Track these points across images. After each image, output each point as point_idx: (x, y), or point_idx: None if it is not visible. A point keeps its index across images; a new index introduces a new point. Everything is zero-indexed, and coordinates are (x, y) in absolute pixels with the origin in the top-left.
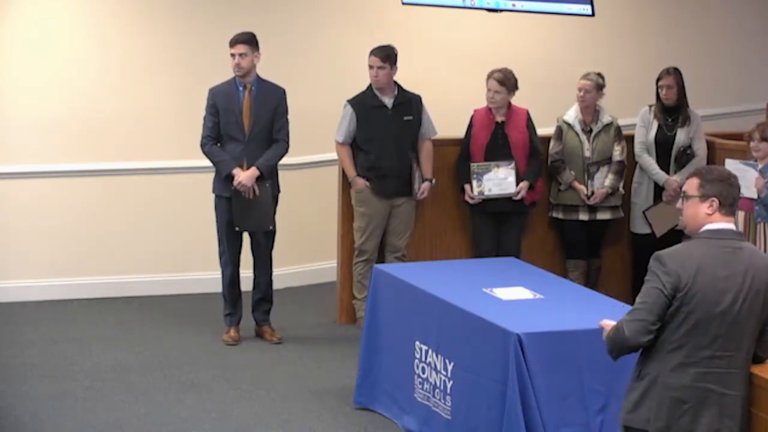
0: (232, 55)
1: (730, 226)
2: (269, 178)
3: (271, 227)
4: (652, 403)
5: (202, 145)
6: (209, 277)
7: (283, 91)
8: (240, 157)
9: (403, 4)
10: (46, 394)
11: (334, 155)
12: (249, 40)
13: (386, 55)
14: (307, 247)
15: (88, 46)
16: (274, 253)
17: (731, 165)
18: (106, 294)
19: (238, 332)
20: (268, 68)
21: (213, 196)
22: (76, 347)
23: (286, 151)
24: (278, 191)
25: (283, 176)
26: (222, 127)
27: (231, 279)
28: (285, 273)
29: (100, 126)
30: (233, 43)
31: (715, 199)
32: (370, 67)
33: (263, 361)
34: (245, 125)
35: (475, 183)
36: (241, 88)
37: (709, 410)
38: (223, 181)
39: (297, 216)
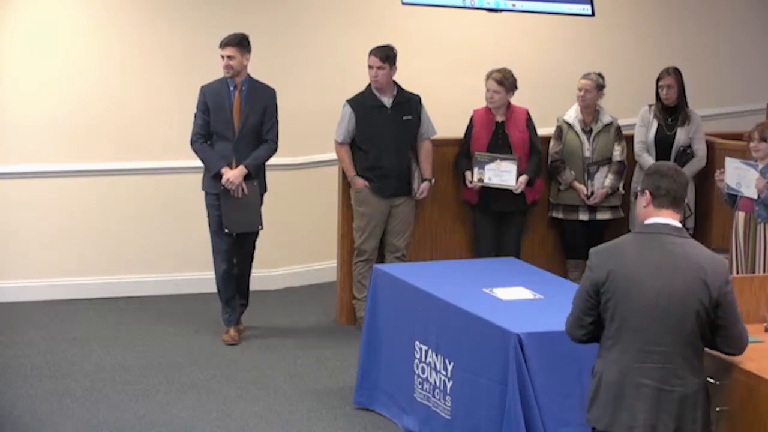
0: (222, 56)
1: (668, 221)
2: (257, 177)
3: (260, 227)
4: (600, 400)
5: (192, 143)
6: (209, 277)
7: (274, 92)
8: (229, 156)
9: (403, 4)
10: (46, 394)
11: (334, 155)
12: (238, 42)
13: (386, 56)
14: (307, 247)
15: (89, 46)
16: (276, 253)
17: (731, 164)
18: (106, 294)
19: (237, 331)
20: (268, 68)
21: (203, 193)
22: (76, 347)
23: (274, 152)
24: (265, 190)
25: (283, 176)
26: (212, 125)
27: (224, 276)
28: (285, 273)
29: (100, 126)
30: (222, 45)
31: (647, 191)
32: (370, 67)
33: (263, 361)
34: (235, 124)
35: (476, 170)
36: (231, 88)
37: (645, 405)
38: (212, 179)
39: (297, 216)
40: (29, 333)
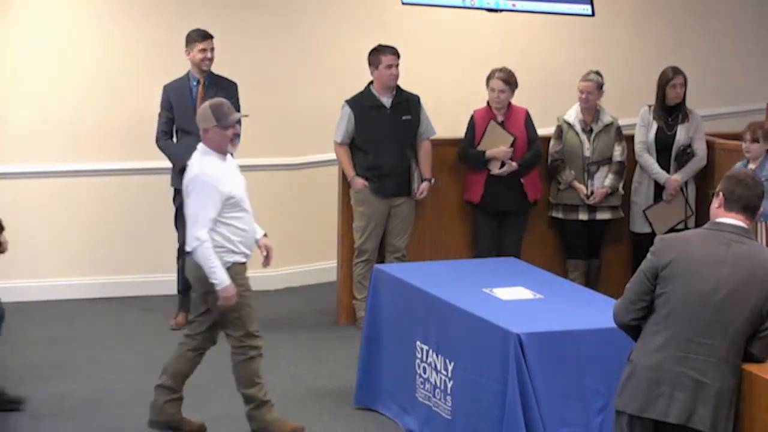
0: (203, 50)
1: (736, 222)
2: None
3: None
4: (633, 385)
5: (157, 141)
6: None
7: (235, 85)
8: (194, 149)
9: (403, 4)
10: (46, 394)
11: (334, 155)
12: (211, 35)
13: (398, 54)
14: (307, 247)
15: (91, 47)
16: (276, 253)
17: None
18: (106, 294)
19: (185, 318)
20: (267, 68)
21: (172, 189)
22: (76, 347)
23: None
24: None
25: (283, 176)
26: (176, 121)
27: (180, 268)
28: (285, 273)
29: (101, 126)
30: (203, 37)
31: (721, 193)
32: (389, 66)
33: (263, 361)
34: None
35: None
36: (194, 83)
37: (684, 395)
38: (178, 174)
39: (297, 216)
40: (29, 333)
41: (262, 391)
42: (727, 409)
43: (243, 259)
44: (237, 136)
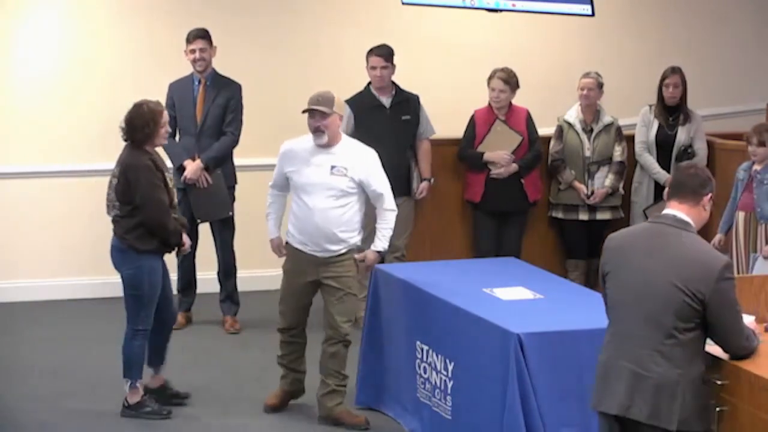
0: (193, 50)
1: (676, 212)
2: (221, 167)
3: (230, 213)
4: (595, 383)
5: None
6: (209, 277)
7: (238, 86)
8: (192, 150)
9: (403, 4)
10: (46, 394)
11: None
12: (205, 34)
13: (389, 54)
14: None
15: (92, 47)
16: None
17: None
18: (106, 294)
19: (185, 318)
20: (267, 68)
21: None
22: (76, 347)
23: (234, 144)
24: (235, 182)
25: None
26: (178, 120)
27: (180, 266)
28: None
29: (100, 126)
30: (192, 38)
31: (667, 187)
32: (373, 67)
33: (264, 361)
34: (197, 118)
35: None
36: (196, 83)
37: (622, 386)
38: (176, 173)
39: None
40: (30, 333)
41: (285, 378)
42: (669, 402)
43: (292, 242)
44: (315, 129)
